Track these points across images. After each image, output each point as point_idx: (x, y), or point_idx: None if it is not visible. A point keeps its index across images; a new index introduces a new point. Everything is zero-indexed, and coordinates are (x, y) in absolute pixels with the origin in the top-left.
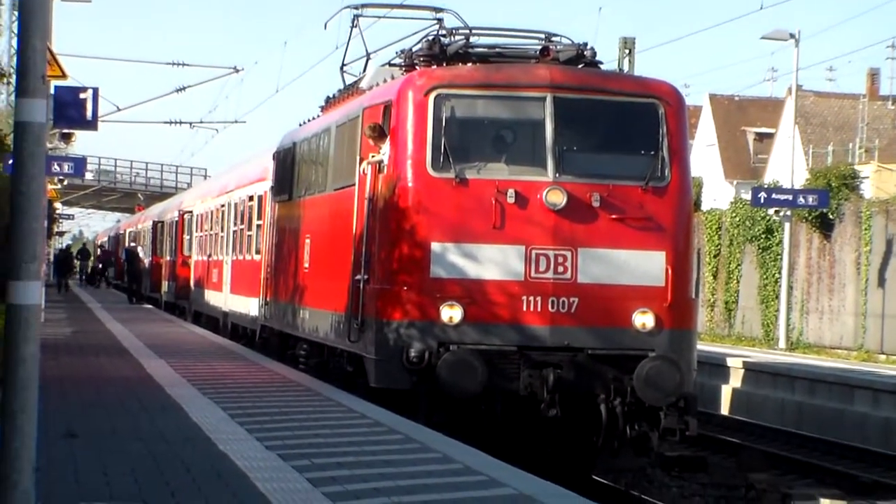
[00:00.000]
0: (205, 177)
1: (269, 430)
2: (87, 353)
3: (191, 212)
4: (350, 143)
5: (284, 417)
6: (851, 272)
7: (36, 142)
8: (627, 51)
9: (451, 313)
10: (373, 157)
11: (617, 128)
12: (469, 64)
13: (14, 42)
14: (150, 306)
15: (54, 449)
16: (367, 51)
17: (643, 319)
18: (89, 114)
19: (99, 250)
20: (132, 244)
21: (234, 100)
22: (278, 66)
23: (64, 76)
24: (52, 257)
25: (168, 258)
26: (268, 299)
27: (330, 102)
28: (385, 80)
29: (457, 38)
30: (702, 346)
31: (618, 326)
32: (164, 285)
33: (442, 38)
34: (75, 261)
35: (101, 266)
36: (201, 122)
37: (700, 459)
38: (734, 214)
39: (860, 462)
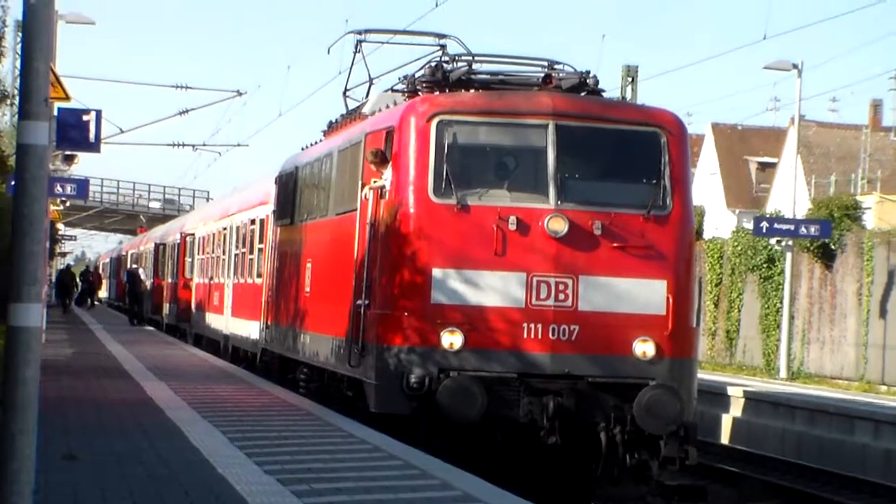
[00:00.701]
0: (207, 199)
1: (268, 454)
2: (88, 374)
3: (193, 234)
4: (352, 168)
5: (284, 442)
6: (853, 303)
7: (38, 164)
8: (630, 79)
9: (451, 339)
10: (375, 182)
11: (619, 156)
12: (471, 91)
13: (18, 63)
14: (151, 328)
15: (53, 471)
16: (369, 76)
17: (644, 348)
18: (92, 136)
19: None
20: (134, 266)
21: (236, 123)
22: (281, 91)
23: (67, 98)
24: (53, 278)
25: (169, 280)
26: (269, 323)
27: (332, 127)
28: (387, 106)
29: (459, 64)
30: (702, 374)
31: (618, 354)
32: (166, 307)
33: (445, 65)
34: (78, 281)
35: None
36: (204, 144)
37: (700, 488)
38: (736, 243)
39: (860, 493)
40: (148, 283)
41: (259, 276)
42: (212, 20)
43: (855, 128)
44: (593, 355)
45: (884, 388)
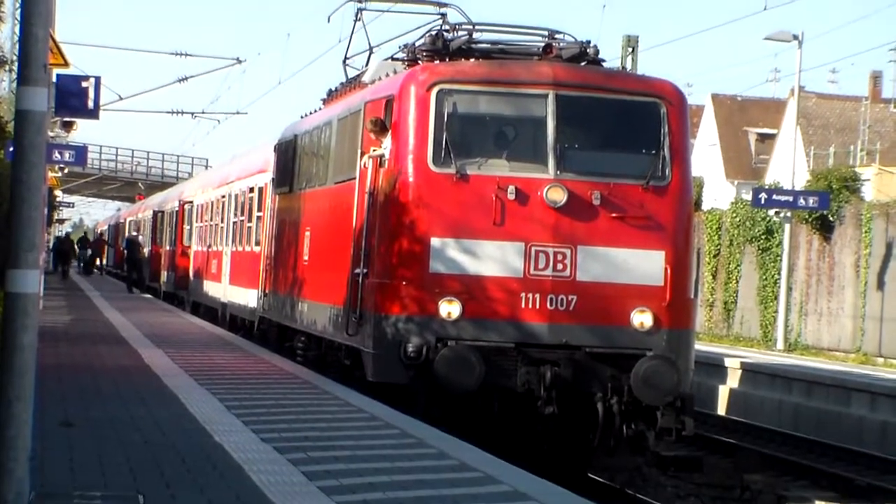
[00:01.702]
0: (206, 167)
1: (265, 422)
2: (85, 341)
3: (191, 202)
4: (351, 136)
5: (281, 410)
6: (851, 275)
7: (37, 130)
8: (630, 49)
9: (449, 309)
10: (374, 151)
11: (618, 126)
12: (472, 60)
13: (17, 29)
14: (148, 296)
15: (50, 437)
16: (369, 45)
17: (641, 318)
18: (91, 102)
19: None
20: (133, 233)
21: (236, 91)
22: (281, 59)
23: (66, 64)
24: (51, 244)
25: (168, 248)
26: (266, 291)
27: (332, 96)
28: (387, 75)
29: (460, 33)
30: (700, 345)
31: (616, 325)
32: (164, 275)
33: (445, 34)
34: (76, 248)
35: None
36: (203, 112)
37: (696, 459)
38: (734, 215)
39: (856, 465)
40: (145, 251)
41: (257, 244)
42: None
43: (855, 99)
44: (591, 325)
45: (880, 360)
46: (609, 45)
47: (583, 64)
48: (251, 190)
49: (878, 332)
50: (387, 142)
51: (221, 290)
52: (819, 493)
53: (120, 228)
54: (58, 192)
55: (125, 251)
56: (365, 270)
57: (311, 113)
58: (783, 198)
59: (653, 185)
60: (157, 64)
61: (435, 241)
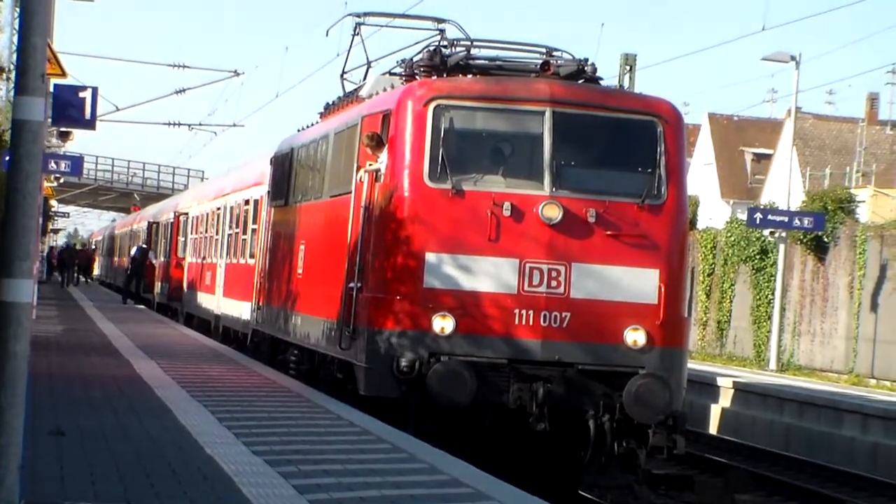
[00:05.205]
0: (202, 179)
1: (256, 435)
2: (78, 351)
3: (186, 214)
4: (348, 150)
5: (272, 423)
6: (844, 296)
7: (33, 140)
8: (628, 67)
9: (443, 324)
10: (370, 165)
11: (615, 144)
12: (469, 76)
13: (15, 39)
14: (142, 307)
15: (41, 447)
16: (367, 59)
17: (635, 336)
18: (88, 113)
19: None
20: (143, 245)
21: (233, 103)
22: (279, 72)
23: (64, 74)
24: (44, 254)
25: (162, 259)
26: (260, 304)
27: (329, 109)
28: (385, 89)
29: (458, 49)
30: (693, 364)
31: (609, 343)
32: (157, 286)
33: (443, 49)
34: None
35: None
36: (200, 124)
37: (687, 478)
38: (729, 234)
39: (847, 486)
40: (156, 263)
41: (252, 256)
42: None
43: (851, 121)
44: (584, 343)
45: (873, 381)
46: (607, 63)
47: (580, 81)
48: (246, 202)
49: (871, 353)
50: (383, 156)
51: (215, 302)
52: None
53: (114, 239)
54: (53, 202)
55: (132, 261)
56: (359, 284)
57: (308, 126)
58: (778, 218)
59: (648, 203)
60: (154, 75)
61: (430, 257)
